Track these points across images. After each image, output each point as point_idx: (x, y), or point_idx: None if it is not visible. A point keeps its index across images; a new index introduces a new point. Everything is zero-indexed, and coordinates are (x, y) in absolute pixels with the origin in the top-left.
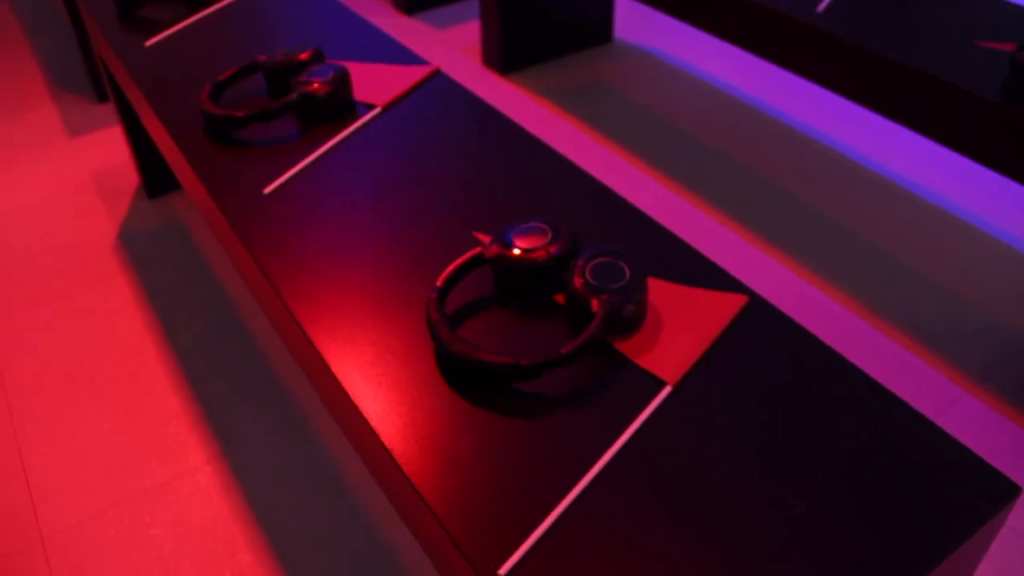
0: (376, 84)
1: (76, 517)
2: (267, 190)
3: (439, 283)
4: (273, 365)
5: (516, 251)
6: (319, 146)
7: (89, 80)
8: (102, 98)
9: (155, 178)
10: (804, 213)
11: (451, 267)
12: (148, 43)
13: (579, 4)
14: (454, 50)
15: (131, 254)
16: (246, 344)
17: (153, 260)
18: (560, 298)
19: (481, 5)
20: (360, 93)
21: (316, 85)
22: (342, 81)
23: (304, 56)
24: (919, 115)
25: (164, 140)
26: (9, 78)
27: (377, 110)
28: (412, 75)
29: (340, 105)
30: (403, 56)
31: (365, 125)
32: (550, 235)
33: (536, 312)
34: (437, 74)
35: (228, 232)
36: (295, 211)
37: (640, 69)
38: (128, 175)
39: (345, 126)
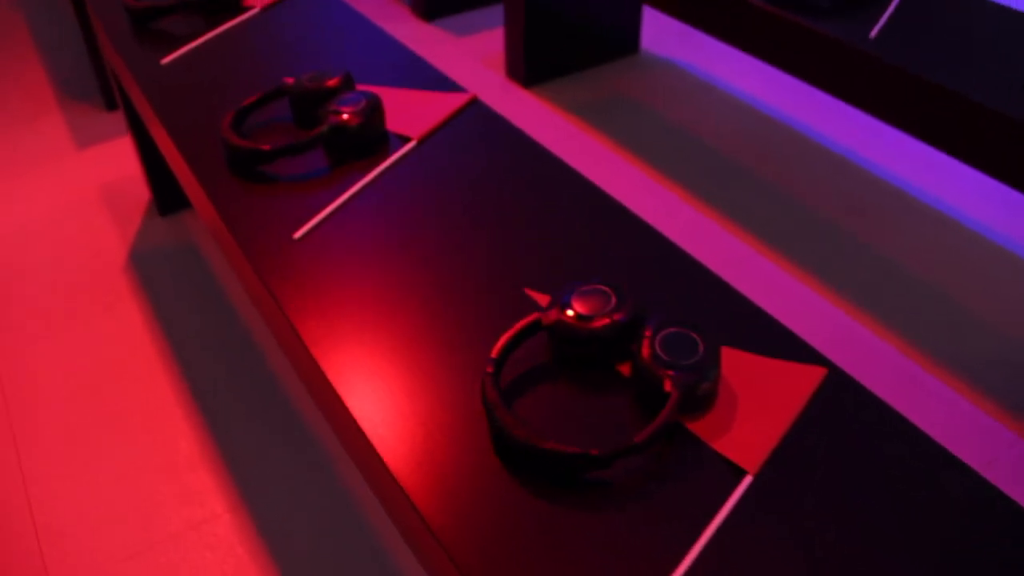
0: (410, 113)
1: (87, 570)
2: (297, 235)
3: (494, 354)
4: (295, 403)
5: (578, 318)
6: (351, 184)
7: (98, 87)
8: (111, 106)
9: (167, 194)
10: (848, 245)
11: (506, 336)
12: (164, 60)
13: (605, 15)
14: (475, 61)
15: (142, 277)
16: (266, 381)
17: (166, 283)
18: (624, 368)
19: (506, 16)
20: (393, 123)
21: (347, 116)
22: (375, 111)
23: (333, 82)
24: (978, 150)
25: (183, 172)
26: (13, 81)
27: (412, 143)
28: (448, 104)
29: (373, 137)
30: (435, 79)
31: (400, 160)
32: (614, 300)
33: (598, 384)
34: (474, 102)
35: (255, 283)
36: (327, 259)
37: (668, 83)
38: (139, 190)
39: (378, 161)
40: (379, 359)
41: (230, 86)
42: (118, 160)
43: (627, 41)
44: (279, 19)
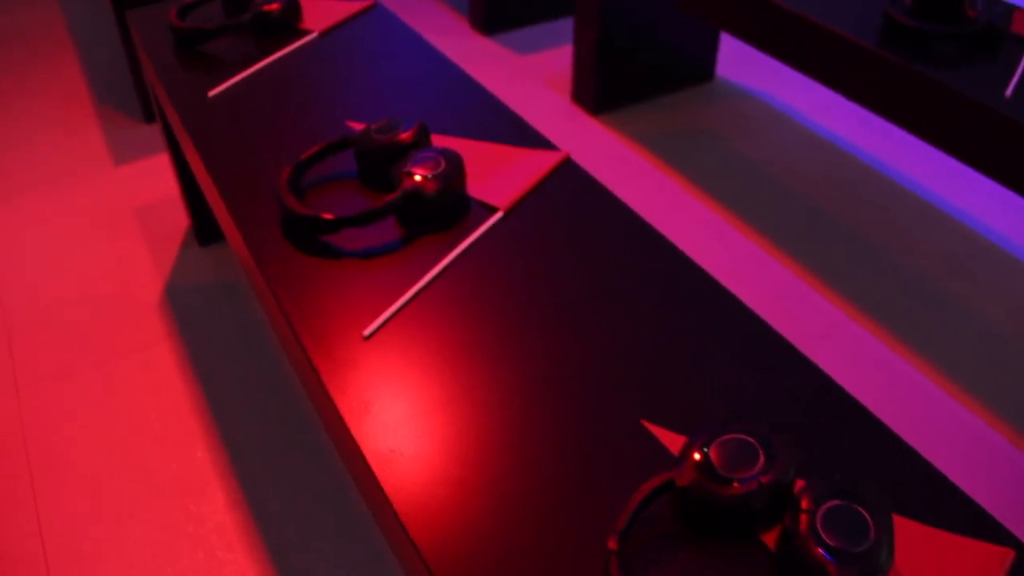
0: (495, 176)
1: None
2: (367, 331)
3: (619, 527)
4: (341, 475)
5: (718, 479)
6: (430, 266)
7: (136, 95)
8: (150, 118)
9: (207, 223)
10: (961, 316)
11: (633, 504)
12: (212, 93)
13: (681, 40)
14: (538, 82)
15: (178, 314)
16: (311, 445)
17: (203, 323)
18: (769, 539)
19: (575, 38)
20: (476, 188)
21: (424, 179)
22: (456, 174)
23: (406, 136)
24: None
25: (231, 230)
26: (49, 86)
27: (499, 215)
28: (538, 165)
29: (452, 205)
30: (517, 126)
31: (484, 235)
32: (762, 457)
33: (735, 557)
34: (567, 162)
35: (320, 390)
36: (402, 365)
37: (746, 115)
38: (176, 215)
39: (459, 236)
40: (477, 530)
41: (286, 127)
42: (156, 179)
43: (702, 68)
44: (339, 45)
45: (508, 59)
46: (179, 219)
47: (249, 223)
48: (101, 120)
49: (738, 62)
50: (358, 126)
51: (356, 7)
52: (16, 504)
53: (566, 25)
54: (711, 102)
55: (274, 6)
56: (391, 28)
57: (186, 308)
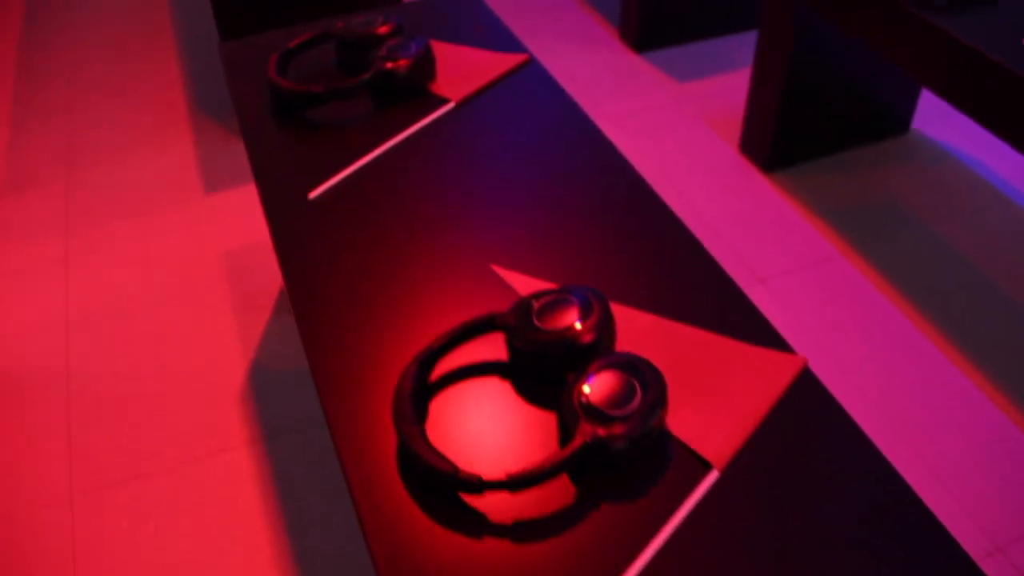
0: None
1: None
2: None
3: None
4: None
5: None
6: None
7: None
8: None
9: None
10: None
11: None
12: (313, 194)
13: (876, 87)
14: (700, 121)
15: (262, 408)
16: None
17: (290, 423)
18: None
19: (753, 86)
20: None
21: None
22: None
23: (577, 330)
24: None
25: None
26: (144, 86)
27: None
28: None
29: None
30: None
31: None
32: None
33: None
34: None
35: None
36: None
37: (946, 182)
38: (268, 270)
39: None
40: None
41: (401, 255)
42: (247, 216)
43: (896, 120)
44: (481, 123)
45: (662, 85)
46: (271, 275)
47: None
48: (195, 131)
49: (938, 113)
50: (507, 275)
51: (503, 65)
52: None
53: (727, 46)
54: (904, 162)
55: (402, 63)
56: (547, 96)
57: (272, 402)
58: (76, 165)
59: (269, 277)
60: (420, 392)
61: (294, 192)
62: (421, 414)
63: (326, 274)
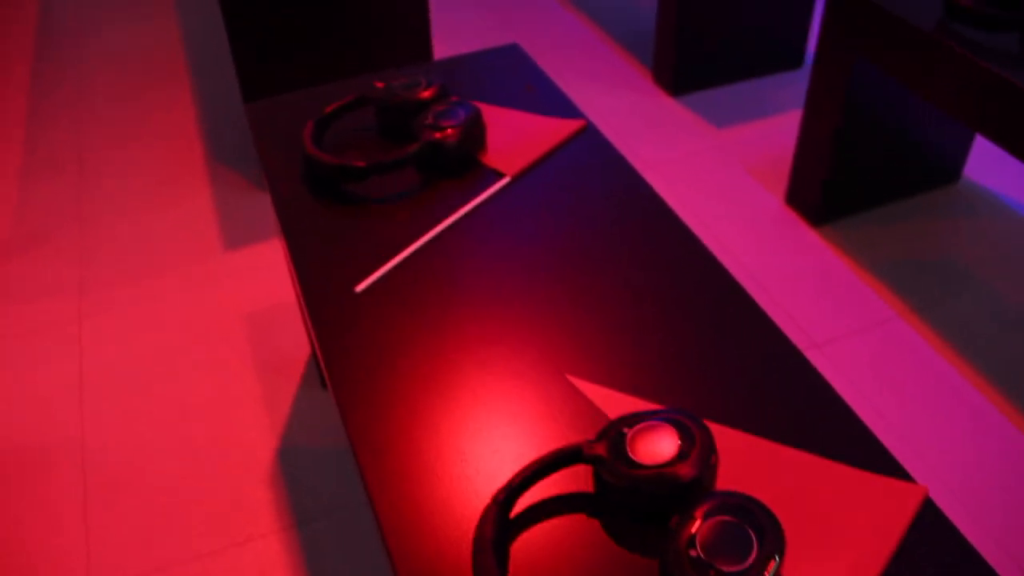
0: (510, 140)
1: None
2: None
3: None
4: None
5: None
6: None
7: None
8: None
9: None
10: None
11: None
12: (360, 287)
13: (931, 135)
14: (742, 170)
15: (292, 492)
16: None
17: (321, 507)
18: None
19: (803, 137)
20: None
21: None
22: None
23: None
24: None
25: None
26: (163, 130)
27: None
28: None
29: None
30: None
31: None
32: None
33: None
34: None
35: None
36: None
37: (1006, 235)
38: (295, 336)
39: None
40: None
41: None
42: (270, 274)
43: (947, 169)
44: (537, 200)
45: (702, 132)
46: (297, 339)
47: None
48: (212, 180)
49: (992, 159)
50: (585, 386)
51: (559, 133)
52: None
53: (763, 88)
54: (958, 213)
55: (450, 133)
56: (607, 166)
57: (304, 482)
58: (88, 220)
59: (295, 342)
60: (502, 538)
61: (339, 284)
62: (503, 563)
63: (377, 381)
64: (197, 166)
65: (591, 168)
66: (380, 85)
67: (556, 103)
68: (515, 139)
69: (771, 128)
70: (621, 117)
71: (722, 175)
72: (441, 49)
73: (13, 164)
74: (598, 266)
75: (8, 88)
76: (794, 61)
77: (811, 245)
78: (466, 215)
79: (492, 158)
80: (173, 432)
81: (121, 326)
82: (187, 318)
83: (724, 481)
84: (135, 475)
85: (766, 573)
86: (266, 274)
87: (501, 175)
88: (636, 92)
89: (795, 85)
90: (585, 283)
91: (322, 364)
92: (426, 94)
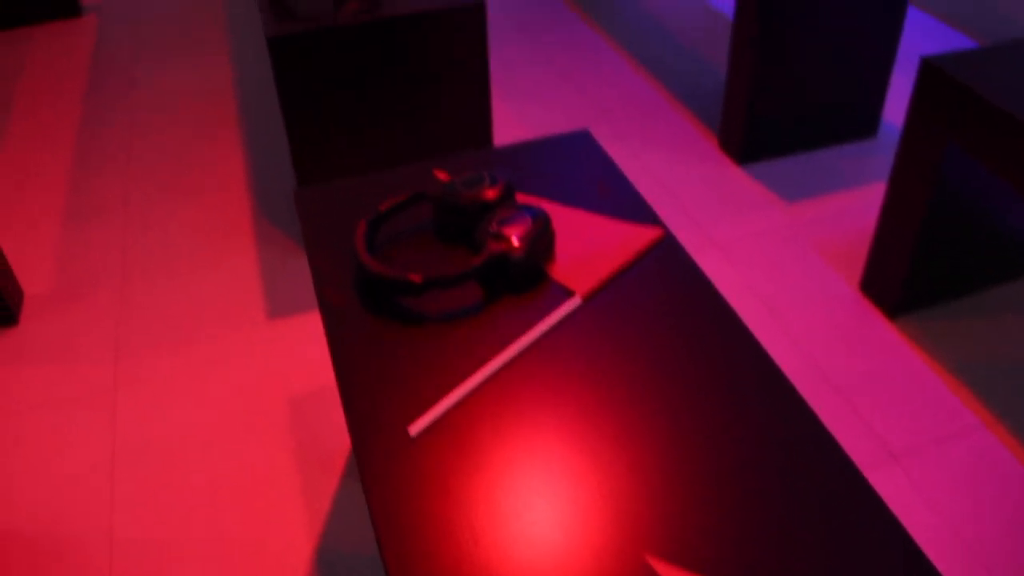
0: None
1: None
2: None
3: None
4: None
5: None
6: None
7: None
8: None
9: None
10: None
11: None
12: (415, 429)
13: (1014, 223)
14: (811, 249)
15: None
16: None
17: None
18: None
19: (882, 223)
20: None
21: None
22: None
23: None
24: None
25: None
26: (208, 185)
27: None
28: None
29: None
30: None
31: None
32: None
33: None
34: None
35: None
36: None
37: None
38: (339, 423)
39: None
40: None
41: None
42: (314, 349)
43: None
44: (616, 321)
45: (772, 206)
46: (340, 429)
47: None
48: (259, 240)
49: None
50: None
51: (635, 245)
52: None
53: (834, 157)
54: None
55: (517, 247)
56: (688, 284)
57: None
58: (130, 273)
59: (338, 431)
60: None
61: (390, 421)
62: None
63: (431, 539)
64: (244, 223)
65: (666, 284)
66: (440, 176)
67: (630, 202)
68: (587, 249)
69: (843, 204)
70: (685, 186)
71: (792, 256)
72: (500, 107)
73: (59, 207)
74: (680, 414)
75: (59, 130)
76: (868, 130)
77: (888, 340)
78: (532, 342)
79: (561, 272)
80: (206, 525)
81: (157, 399)
82: (226, 394)
83: None
84: (163, 570)
85: None
86: (310, 349)
87: (571, 293)
88: (700, 159)
89: (869, 156)
90: (668, 439)
91: (372, 517)
92: (490, 194)
